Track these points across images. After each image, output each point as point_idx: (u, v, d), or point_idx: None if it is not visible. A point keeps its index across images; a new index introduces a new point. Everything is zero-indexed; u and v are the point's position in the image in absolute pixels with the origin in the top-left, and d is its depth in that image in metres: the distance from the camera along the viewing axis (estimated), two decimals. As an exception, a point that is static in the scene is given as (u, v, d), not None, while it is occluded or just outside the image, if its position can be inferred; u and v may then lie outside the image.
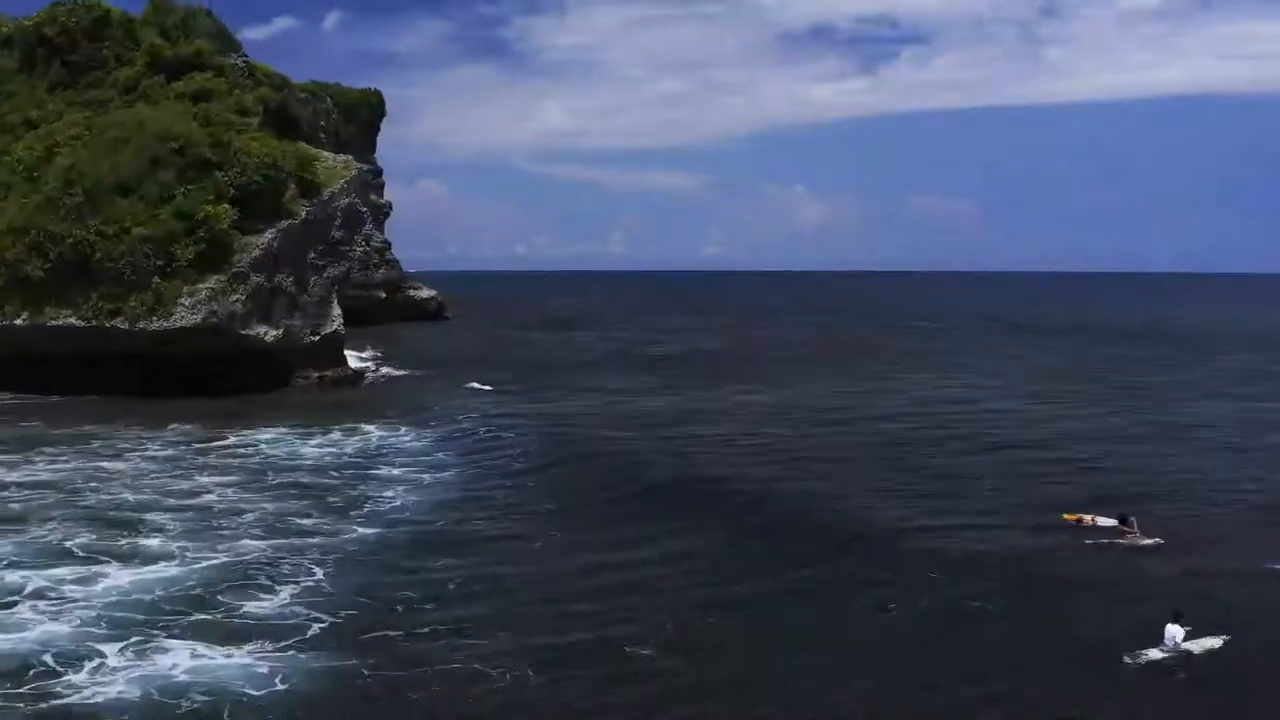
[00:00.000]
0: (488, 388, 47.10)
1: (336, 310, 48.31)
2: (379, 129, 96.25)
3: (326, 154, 52.56)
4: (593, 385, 48.01)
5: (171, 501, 25.64)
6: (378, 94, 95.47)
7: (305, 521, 24.05)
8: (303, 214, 47.05)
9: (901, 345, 74.09)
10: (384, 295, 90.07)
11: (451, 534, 23.54)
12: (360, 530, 23.55)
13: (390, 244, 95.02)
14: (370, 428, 36.50)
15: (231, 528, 23.32)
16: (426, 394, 45.73)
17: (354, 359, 55.37)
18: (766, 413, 40.93)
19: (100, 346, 41.82)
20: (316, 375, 45.80)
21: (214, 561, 20.74)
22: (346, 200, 50.10)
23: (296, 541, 22.28)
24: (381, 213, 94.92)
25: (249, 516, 24.35)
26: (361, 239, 52.59)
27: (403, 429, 36.64)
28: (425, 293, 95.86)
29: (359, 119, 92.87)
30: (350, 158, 54.11)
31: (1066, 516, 24.14)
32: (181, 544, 21.83)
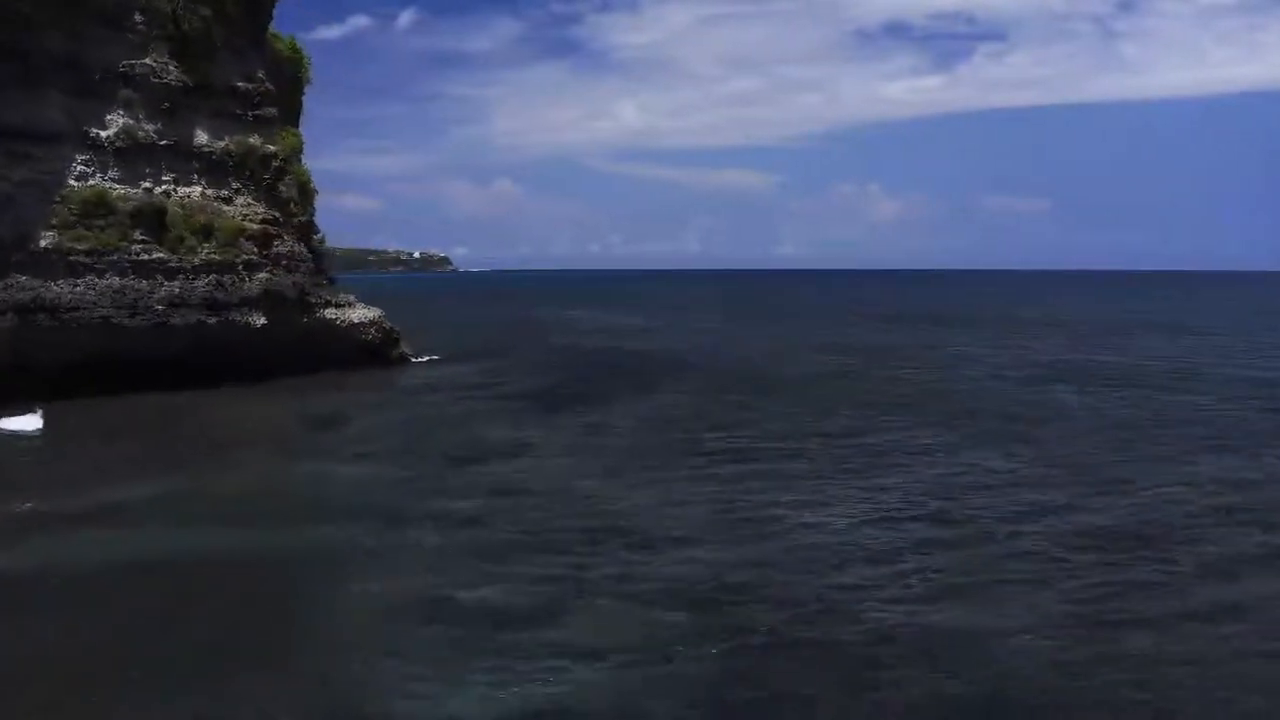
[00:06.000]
0: None
1: None
2: (303, 90, 62.86)
3: None
4: None
5: None
6: (289, 42, 62.57)
7: None
8: None
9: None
10: (264, 321, 54.75)
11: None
12: None
13: (321, 232, 59.37)
14: None
15: None
16: None
17: None
18: None
19: None
20: None
21: None
22: None
23: None
24: (286, 180, 58.12)
25: None
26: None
27: None
28: (359, 313, 57.36)
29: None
30: None
31: None
32: None
